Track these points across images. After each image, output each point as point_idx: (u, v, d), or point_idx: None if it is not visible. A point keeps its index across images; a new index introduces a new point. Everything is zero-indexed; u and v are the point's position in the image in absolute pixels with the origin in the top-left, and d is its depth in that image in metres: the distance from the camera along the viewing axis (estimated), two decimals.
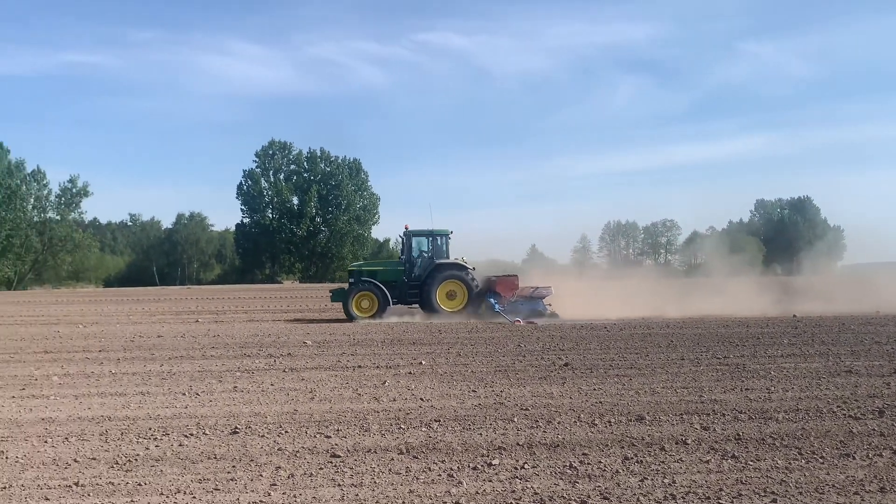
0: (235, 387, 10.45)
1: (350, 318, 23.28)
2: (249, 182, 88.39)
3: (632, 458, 6.67)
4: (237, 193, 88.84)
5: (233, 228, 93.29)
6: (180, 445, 7.27)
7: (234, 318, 22.88)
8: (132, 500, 5.67)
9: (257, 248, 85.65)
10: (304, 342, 15.49)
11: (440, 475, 6.23)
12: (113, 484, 6.07)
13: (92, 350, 14.84)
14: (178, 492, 5.87)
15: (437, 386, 10.42)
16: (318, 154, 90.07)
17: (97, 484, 6.08)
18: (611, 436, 7.50)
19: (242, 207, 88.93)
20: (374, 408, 8.94)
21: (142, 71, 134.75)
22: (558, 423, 8.08)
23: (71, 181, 77.86)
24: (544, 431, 7.70)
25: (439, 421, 8.17)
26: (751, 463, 6.54)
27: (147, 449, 7.15)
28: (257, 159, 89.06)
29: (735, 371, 11.56)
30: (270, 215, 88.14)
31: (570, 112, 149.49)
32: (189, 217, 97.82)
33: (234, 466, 6.55)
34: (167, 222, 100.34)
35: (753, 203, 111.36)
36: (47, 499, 5.72)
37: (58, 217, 78.05)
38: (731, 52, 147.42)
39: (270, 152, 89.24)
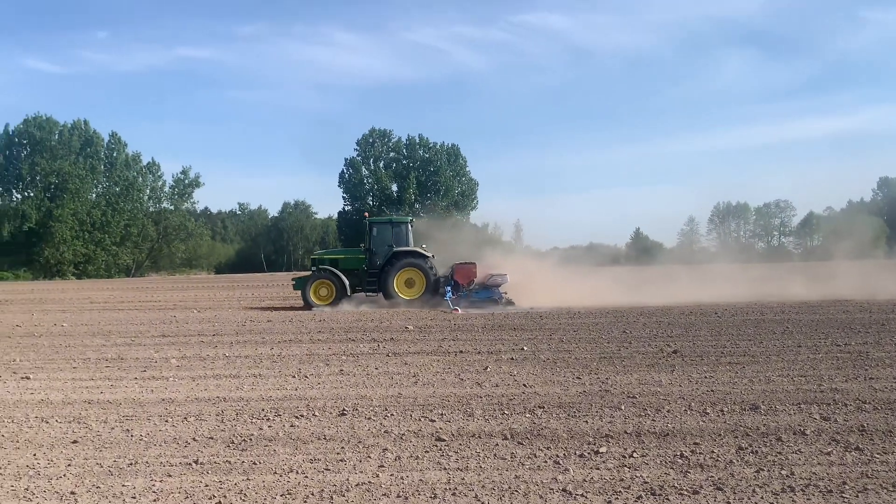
0: (341, 370, 10.69)
1: (308, 306, 23.42)
2: (350, 170, 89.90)
3: (746, 449, 6.41)
4: (339, 181, 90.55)
5: (335, 216, 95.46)
6: (291, 426, 7.49)
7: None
8: (248, 479, 5.87)
9: (358, 235, 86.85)
10: (406, 327, 15.69)
11: (546, 462, 6.17)
12: (230, 462, 6.31)
13: (206, 334, 15.50)
14: (291, 471, 6.05)
15: (540, 372, 10.33)
16: (417, 140, 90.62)
17: (215, 462, 6.33)
18: (723, 425, 7.23)
19: (344, 195, 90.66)
20: (477, 393, 8.95)
21: (248, 64, 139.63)
22: (667, 411, 7.85)
23: (183, 172, 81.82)
24: (653, 420, 7.50)
25: (543, 407, 8.09)
26: (877, 456, 6.16)
27: (260, 429, 7.40)
28: (358, 148, 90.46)
29: (857, 359, 10.92)
30: (370, 202, 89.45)
31: (675, 89, 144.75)
32: (294, 205, 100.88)
33: (342, 447, 6.69)
34: (273, 211, 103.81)
35: (876, 181, 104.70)
36: (170, 475, 6.00)
37: (172, 207, 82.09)
38: (854, 21, 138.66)
39: (370, 140, 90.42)
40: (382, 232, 24.67)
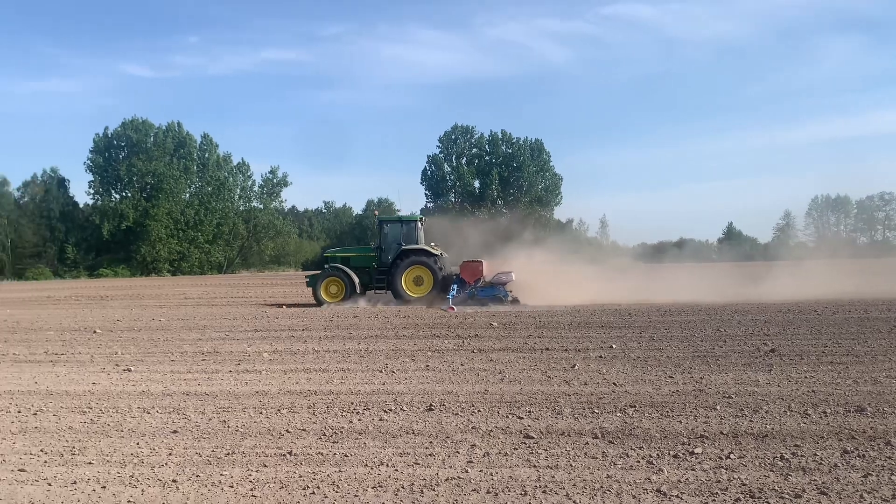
0: (427, 366, 10.74)
1: (318, 302, 23.73)
2: (433, 167, 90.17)
3: (852, 452, 6.09)
4: (421, 178, 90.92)
5: (418, 213, 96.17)
6: (380, 420, 7.57)
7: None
8: (340, 471, 5.96)
9: (440, 233, 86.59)
10: (491, 324, 15.64)
11: (638, 461, 6.02)
12: (322, 454, 6.42)
13: (296, 329, 15.86)
14: (381, 464, 6.10)
15: (631, 371, 10.11)
16: (500, 136, 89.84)
17: (307, 454, 6.45)
18: (826, 427, 6.89)
19: (426, 192, 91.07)
20: (565, 391, 8.82)
21: (333, 64, 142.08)
22: (766, 412, 7.55)
23: (272, 172, 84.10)
24: (750, 421, 7.21)
25: (634, 406, 7.91)
26: None
27: (350, 422, 7.51)
28: (440, 144, 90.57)
29: None
30: (453, 199, 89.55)
31: (770, 79, 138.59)
32: (377, 203, 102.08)
33: (431, 442, 6.71)
34: (358, 208, 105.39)
35: None
36: (265, 466, 6.15)
37: (261, 206, 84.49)
38: None
39: (453, 137, 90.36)
40: (392, 230, 24.94)
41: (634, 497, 5.22)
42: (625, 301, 21.61)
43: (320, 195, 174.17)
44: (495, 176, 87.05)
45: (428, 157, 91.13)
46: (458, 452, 6.38)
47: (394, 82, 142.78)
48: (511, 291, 22.66)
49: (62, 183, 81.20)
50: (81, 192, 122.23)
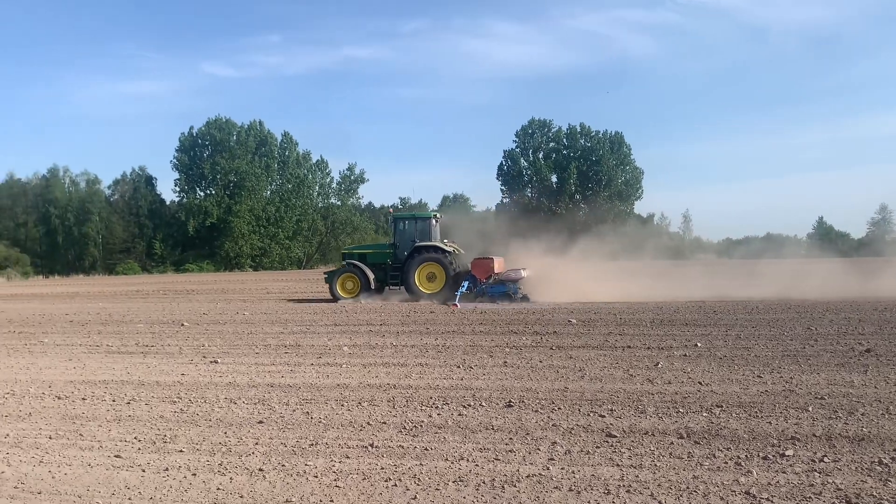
0: (505, 362, 10.69)
1: (334, 298, 24.38)
2: (509, 162, 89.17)
3: None
4: (497, 174, 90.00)
5: (493, 209, 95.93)
6: (460, 415, 7.57)
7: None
8: (420, 464, 5.99)
9: (517, 228, 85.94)
10: (569, 320, 15.45)
11: (726, 463, 5.84)
12: (402, 447, 6.47)
13: (374, 324, 16.05)
14: (462, 459, 6.10)
15: (717, 370, 9.81)
16: (578, 129, 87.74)
17: (389, 446, 6.52)
18: None
19: (502, 188, 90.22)
20: (649, 389, 8.63)
21: (410, 60, 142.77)
22: (862, 414, 7.21)
23: (349, 169, 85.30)
24: (845, 423, 6.90)
25: (721, 406, 7.68)
26: None
27: (430, 416, 7.54)
28: (517, 139, 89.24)
29: None
30: (529, 194, 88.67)
31: (861, 66, 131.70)
32: (453, 198, 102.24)
33: (511, 438, 6.68)
34: (433, 204, 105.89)
35: None
36: (348, 457, 6.24)
37: (339, 202, 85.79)
38: None
39: (530, 131, 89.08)
40: (406, 227, 25.34)
41: (722, 499, 5.08)
42: (706, 298, 20.99)
43: (397, 191, 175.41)
44: (573, 170, 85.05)
45: (504, 151, 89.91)
46: (538, 449, 6.33)
47: (470, 77, 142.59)
48: (521, 288, 22.67)
49: (150, 181, 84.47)
50: (168, 189, 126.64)
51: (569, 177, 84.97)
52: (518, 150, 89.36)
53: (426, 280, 24.05)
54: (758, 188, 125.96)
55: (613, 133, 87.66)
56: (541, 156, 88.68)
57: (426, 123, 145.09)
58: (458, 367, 10.41)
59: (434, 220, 25.42)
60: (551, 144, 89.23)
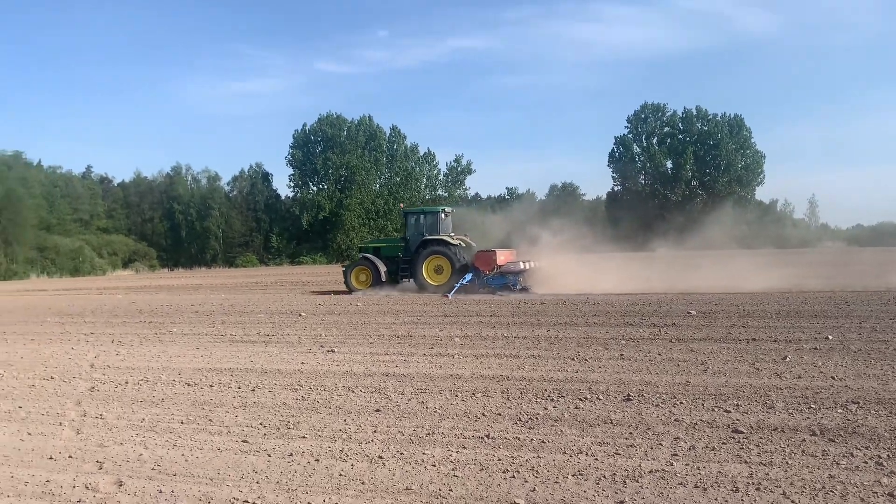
0: (622, 354, 10.43)
1: (349, 289, 25.63)
2: (621, 148, 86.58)
3: None
4: (608, 161, 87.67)
5: (604, 197, 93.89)
6: (576, 408, 7.44)
7: (604, 285, 22.82)
8: (538, 456, 5.92)
9: (629, 216, 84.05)
10: (688, 312, 14.90)
11: (865, 462, 5.48)
12: (519, 439, 6.41)
13: (484, 315, 16.04)
14: (580, 452, 5.99)
15: (851, 364, 9.21)
16: (695, 113, 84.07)
17: (505, 438, 6.48)
18: None
19: (614, 175, 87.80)
20: (777, 384, 8.21)
21: (517, 48, 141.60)
22: None
23: (456, 160, 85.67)
24: None
25: (858, 403, 7.21)
26: None
27: (545, 409, 7.44)
28: (629, 124, 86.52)
29: None
30: (643, 181, 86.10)
31: None
32: (561, 187, 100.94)
33: (631, 433, 6.50)
34: (541, 194, 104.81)
35: None
36: (464, 447, 6.24)
37: (446, 194, 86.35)
38: None
39: (643, 116, 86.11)
40: (416, 221, 26.37)
41: (862, 500, 4.77)
42: (835, 288, 19.78)
43: (504, 181, 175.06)
44: (690, 155, 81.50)
45: (615, 138, 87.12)
46: (660, 444, 6.13)
47: (580, 63, 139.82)
48: (521, 280, 23.09)
49: (266, 177, 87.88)
50: (283, 185, 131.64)
51: (685, 162, 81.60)
52: (630, 135, 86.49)
53: (434, 272, 24.78)
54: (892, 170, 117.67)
55: (732, 116, 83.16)
56: (654, 141, 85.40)
57: (534, 111, 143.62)
58: (573, 359, 10.24)
59: (443, 214, 26.32)
60: (665, 129, 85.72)
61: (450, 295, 22.38)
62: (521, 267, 23.51)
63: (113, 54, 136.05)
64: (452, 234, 25.97)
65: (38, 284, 50.13)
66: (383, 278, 25.45)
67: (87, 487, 5.60)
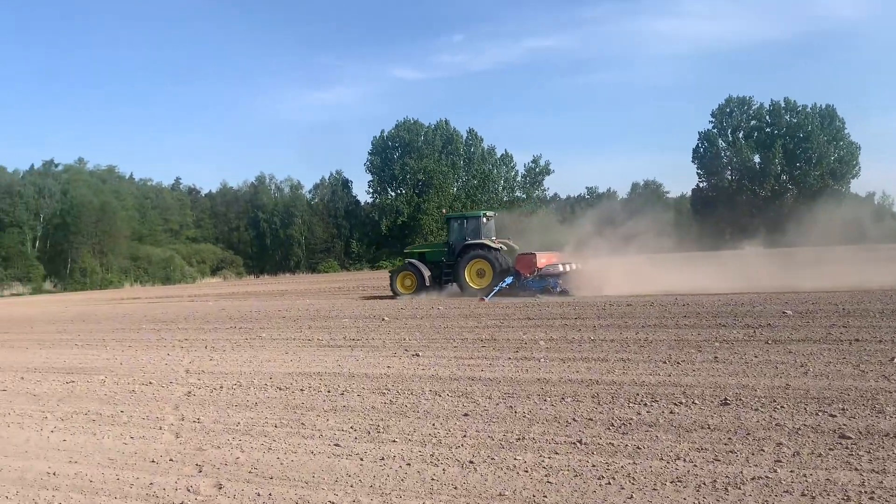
0: (716, 357, 10.07)
1: (394, 294, 26.36)
2: (705, 144, 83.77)
3: None
4: (692, 157, 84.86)
5: (689, 194, 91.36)
6: (671, 413, 7.22)
7: (699, 284, 22.21)
8: (634, 463, 5.76)
9: (715, 213, 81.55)
10: (784, 312, 14.26)
11: None
12: (612, 445, 6.27)
13: (568, 317, 15.80)
14: (678, 459, 5.80)
15: None
16: (783, 105, 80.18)
17: (598, 443, 6.34)
18: None
19: (699, 171, 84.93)
20: (885, 387, 7.76)
21: (594, 46, 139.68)
22: None
23: (534, 161, 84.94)
24: None
25: None
26: None
27: (639, 414, 7.25)
28: (713, 119, 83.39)
29: None
30: (729, 177, 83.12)
31: None
32: (643, 185, 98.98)
33: (730, 438, 6.26)
34: (623, 192, 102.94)
35: None
36: (557, 453, 6.14)
37: (524, 196, 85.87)
38: None
39: (728, 110, 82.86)
40: (458, 226, 26.90)
41: None
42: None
43: (583, 181, 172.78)
44: (778, 149, 77.79)
45: (699, 133, 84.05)
46: (762, 450, 5.88)
47: (660, 58, 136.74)
48: (560, 282, 23.21)
49: (346, 184, 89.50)
50: (362, 191, 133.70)
51: (773, 156, 78.12)
52: (715, 130, 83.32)
53: (476, 276, 25.19)
54: None
55: (823, 106, 78.91)
56: (741, 135, 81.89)
57: (614, 109, 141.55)
58: (664, 362, 9.95)
59: (485, 219, 26.74)
60: (752, 122, 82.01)
61: (486, 298, 22.65)
62: (560, 269, 23.74)
63: (197, 71, 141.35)
64: (493, 238, 26.36)
65: (133, 293, 52.36)
66: (427, 283, 26.04)
67: (188, 490, 5.76)
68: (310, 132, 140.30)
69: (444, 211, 30.36)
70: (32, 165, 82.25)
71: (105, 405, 9.29)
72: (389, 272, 28.41)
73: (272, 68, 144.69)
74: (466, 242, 25.77)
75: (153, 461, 6.61)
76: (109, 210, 71.91)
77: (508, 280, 23.90)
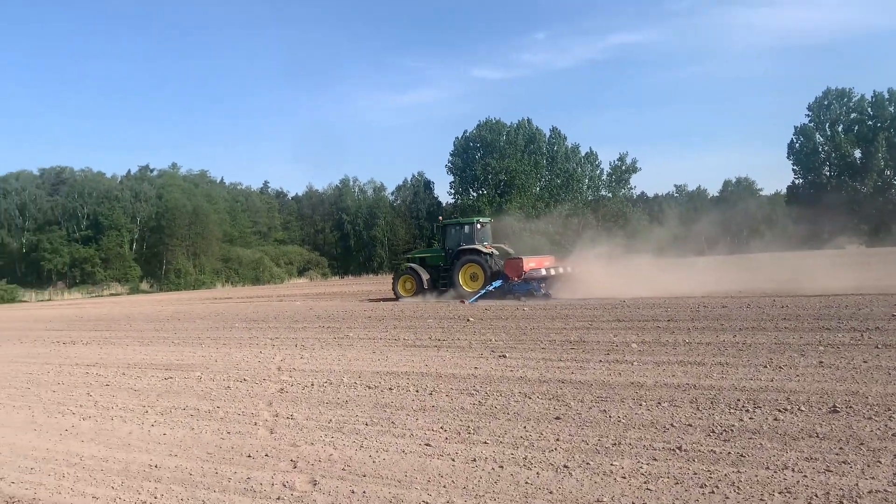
0: (821, 362, 9.56)
1: (396, 296, 28.11)
2: (801, 139, 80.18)
3: None
4: (788, 153, 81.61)
5: (783, 191, 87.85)
6: (775, 420, 6.87)
7: (792, 284, 21.31)
8: (738, 471, 5.50)
9: (813, 211, 77.92)
10: (894, 314, 13.49)
11: None
12: (714, 452, 5.99)
13: (661, 319, 15.35)
14: (785, 468, 5.50)
15: None
16: (886, 97, 76.16)
17: (698, 450, 6.07)
18: None
19: (794, 167, 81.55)
20: None
21: (682, 40, 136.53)
22: None
23: (620, 159, 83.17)
24: None
25: None
26: None
27: (741, 420, 6.93)
28: (810, 112, 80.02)
29: None
30: (827, 173, 79.32)
31: None
32: (735, 183, 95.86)
33: (842, 448, 5.90)
34: (713, 190, 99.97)
35: None
36: (655, 459, 5.91)
37: (609, 194, 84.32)
38: None
39: (825, 103, 79.03)
40: (452, 232, 28.27)
41: None
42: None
43: (672, 178, 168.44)
44: (881, 143, 73.85)
45: (795, 127, 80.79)
46: (879, 462, 5.50)
47: (752, 50, 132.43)
48: (543, 285, 24.22)
49: (427, 185, 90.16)
50: (443, 192, 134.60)
51: (876, 150, 74.09)
52: (812, 124, 79.74)
53: (470, 279, 26.57)
54: None
55: None
56: (840, 129, 78.20)
57: (704, 104, 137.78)
58: (765, 366, 9.51)
59: (478, 225, 27.99)
60: (852, 115, 78.23)
61: (468, 301, 24.08)
62: (543, 273, 24.81)
63: (284, 78, 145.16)
64: (486, 244, 27.42)
65: (224, 293, 54.13)
66: (426, 286, 27.61)
67: (284, 485, 5.82)
68: (392, 135, 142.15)
69: (440, 218, 31.81)
70: (129, 171, 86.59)
71: (202, 401, 9.56)
72: (392, 276, 29.95)
73: (355, 73, 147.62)
74: (461, 248, 27.19)
75: (249, 456, 6.73)
76: (202, 213, 74.67)
77: (496, 283, 25.16)
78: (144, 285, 71.31)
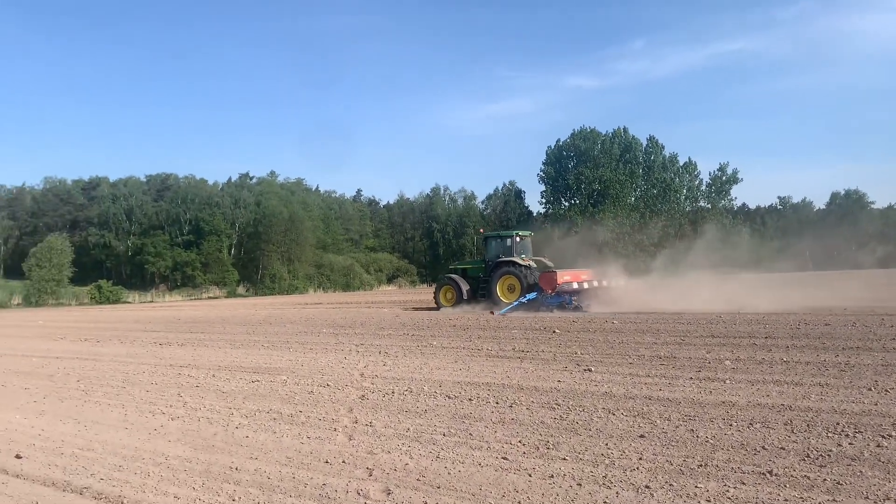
0: None
1: (437, 306, 28.90)
2: None
3: None
4: None
5: None
6: (878, 446, 6.40)
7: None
8: (833, 499, 5.15)
9: None
10: None
11: None
12: (808, 478, 5.63)
13: (757, 336, 14.66)
14: (887, 499, 5.12)
15: None
16: None
17: (791, 475, 5.72)
18: None
19: None
20: None
21: (788, 48, 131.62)
22: None
23: (720, 169, 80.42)
24: None
25: None
26: None
27: (839, 445, 6.49)
28: None
29: None
30: None
31: None
32: (844, 195, 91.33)
33: None
34: (820, 203, 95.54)
35: None
36: (743, 483, 5.60)
37: (708, 206, 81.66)
38: None
39: None
40: (493, 244, 28.94)
41: None
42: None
43: (776, 191, 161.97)
44: None
45: None
46: None
47: (862, 57, 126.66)
48: (575, 298, 24.83)
49: (518, 194, 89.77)
50: (534, 201, 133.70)
51: None
52: None
53: (507, 291, 27.07)
54: None
55: None
56: None
57: (811, 114, 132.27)
58: (869, 389, 8.90)
59: (518, 238, 28.62)
60: None
61: (497, 312, 24.62)
62: (575, 286, 25.38)
63: (377, 89, 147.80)
64: (524, 256, 27.97)
65: (315, 298, 55.37)
66: (465, 296, 28.39)
67: (358, 493, 5.80)
68: (484, 144, 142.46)
69: (481, 230, 32.40)
70: (230, 178, 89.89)
71: (286, 404, 9.71)
72: (434, 287, 30.63)
73: (447, 82, 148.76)
74: (499, 259, 27.81)
75: (327, 462, 6.76)
76: (297, 220, 76.82)
77: (531, 296, 25.65)
78: (241, 289, 73.82)
